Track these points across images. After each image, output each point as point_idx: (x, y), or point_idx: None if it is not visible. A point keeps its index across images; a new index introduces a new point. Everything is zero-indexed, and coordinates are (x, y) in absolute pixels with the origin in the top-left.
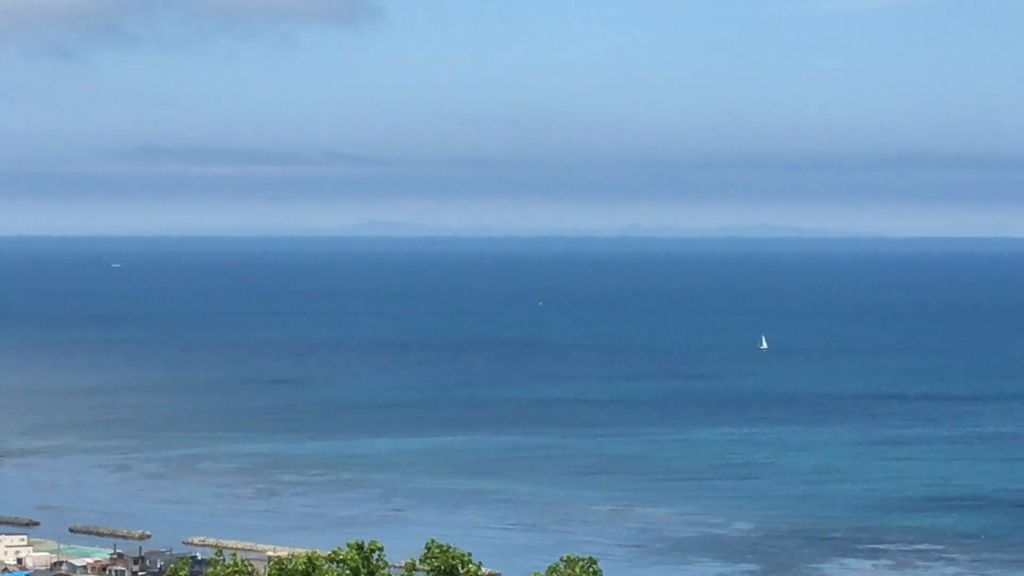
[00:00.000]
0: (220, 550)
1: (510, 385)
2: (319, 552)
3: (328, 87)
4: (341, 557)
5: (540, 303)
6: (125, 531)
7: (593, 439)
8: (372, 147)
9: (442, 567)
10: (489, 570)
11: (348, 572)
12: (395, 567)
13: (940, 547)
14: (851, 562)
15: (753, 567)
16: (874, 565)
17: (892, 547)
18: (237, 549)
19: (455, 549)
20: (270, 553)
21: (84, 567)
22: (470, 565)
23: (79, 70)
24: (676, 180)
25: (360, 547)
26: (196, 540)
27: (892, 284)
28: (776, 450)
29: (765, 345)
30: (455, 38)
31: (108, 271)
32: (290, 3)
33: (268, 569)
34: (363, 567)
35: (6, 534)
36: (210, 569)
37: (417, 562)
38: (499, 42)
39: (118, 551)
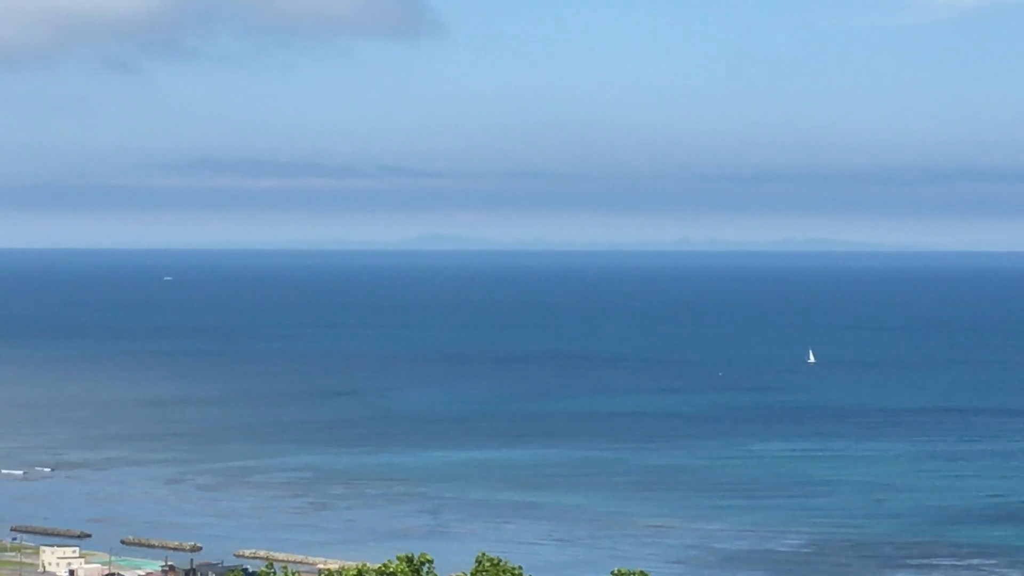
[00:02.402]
0: (271, 563)
1: (561, 398)
2: (369, 565)
3: (383, 100)
4: (391, 570)
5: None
6: (176, 543)
7: (644, 452)
8: (426, 160)
9: None
10: None
11: None
12: None
13: (993, 562)
14: None
15: None
16: None
17: (945, 562)
18: (288, 562)
19: (506, 562)
20: (321, 566)
21: None
22: None
23: (136, 83)
24: (726, 193)
25: (410, 560)
26: (247, 552)
27: (942, 297)
28: (828, 464)
29: (813, 359)
30: (510, 52)
31: (160, 284)
32: (350, 17)
33: None
34: None
35: (58, 546)
36: None
37: (468, 575)
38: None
39: (169, 563)
